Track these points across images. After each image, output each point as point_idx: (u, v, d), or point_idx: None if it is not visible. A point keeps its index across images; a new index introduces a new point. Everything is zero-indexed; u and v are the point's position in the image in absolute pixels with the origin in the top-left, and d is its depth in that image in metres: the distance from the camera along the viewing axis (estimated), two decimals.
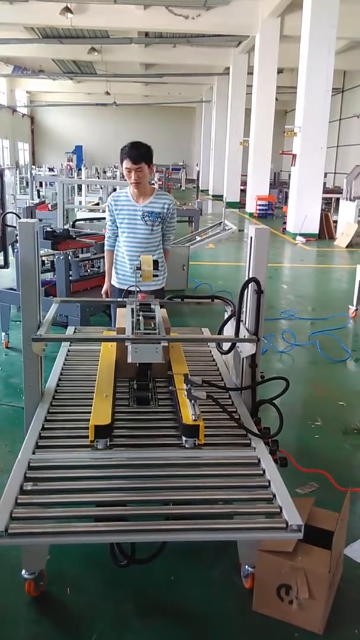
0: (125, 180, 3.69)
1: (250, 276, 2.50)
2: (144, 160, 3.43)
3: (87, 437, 2.14)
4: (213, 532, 1.84)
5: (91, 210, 9.87)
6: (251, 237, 2.49)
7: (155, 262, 2.67)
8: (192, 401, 2.27)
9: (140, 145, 3.46)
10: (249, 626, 2.17)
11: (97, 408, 2.23)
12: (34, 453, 2.11)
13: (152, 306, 2.75)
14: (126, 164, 3.43)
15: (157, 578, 2.37)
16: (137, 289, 2.71)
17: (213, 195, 26.34)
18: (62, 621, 2.18)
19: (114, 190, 5.73)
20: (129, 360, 2.27)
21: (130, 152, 3.41)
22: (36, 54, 21.84)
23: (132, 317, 2.53)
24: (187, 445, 2.18)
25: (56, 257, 4.98)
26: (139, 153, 3.42)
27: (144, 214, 3.56)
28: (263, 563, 2.18)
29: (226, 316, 2.89)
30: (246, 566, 2.30)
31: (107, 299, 3.92)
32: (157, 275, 2.75)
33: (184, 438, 2.20)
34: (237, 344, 2.62)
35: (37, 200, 12.00)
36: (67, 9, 15.09)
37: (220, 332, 2.92)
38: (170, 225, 3.71)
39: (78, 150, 34.14)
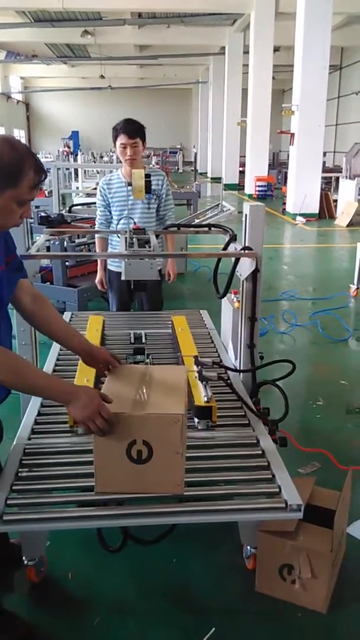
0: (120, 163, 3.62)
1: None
2: (139, 136, 3.39)
3: None
4: (212, 514, 1.81)
5: (88, 195, 9.77)
6: (246, 215, 2.44)
7: (148, 176, 2.53)
8: (204, 382, 2.24)
9: (134, 121, 3.42)
10: (252, 607, 2.16)
11: None
12: (29, 439, 2.09)
13: (147, 234, 2.66)
14: (121, 139, 3.36)
15: (159, 561, 2.36)
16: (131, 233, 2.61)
17: (212, 178, 26.11)
18: (64, 606, 2.17)
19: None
20: (123, 277, 2.21)
21: (126, 127, 3.36)
22: (29, 38, 21.48)
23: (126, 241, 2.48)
24: (199, 427, 2.15)
25: (52, 242, 4.92)
26: (134, 128, 3.37)
27: None
28: (264, 543, 2.16)
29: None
30: (248, 547, 2.28)
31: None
32: (149, 192, 2.59)
33: (196, 420, 2.16)
34: (237, 270, 2.52)
35: None
36: None
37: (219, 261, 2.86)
38: (167, 204, 3.63)
39: (74, 135, 33.73)
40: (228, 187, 21.40)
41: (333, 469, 3.00)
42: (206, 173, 27.96)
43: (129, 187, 2.67)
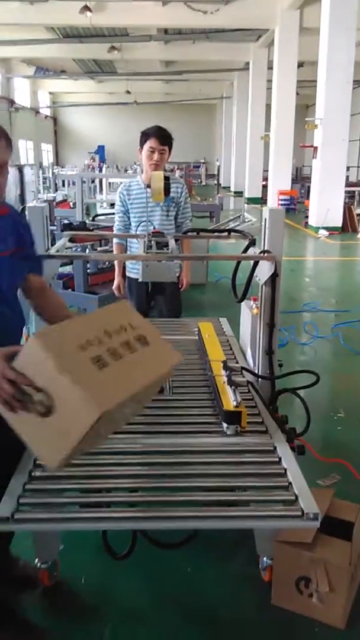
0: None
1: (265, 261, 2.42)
2: (167, 144, 3.40)
3: None
4: (227, 520, 1.77)
5: (112, 205, 9.87)
6: (265, 219, 2.41)
7: (167, 179, 2.48)
8: (233, 387, 2.20)
9: (165, 129, 3.44)
10: (268, 620, 2.10)
11: None
12: None
13: (166, 238, 2.65)
14: (151, 142, 3.35)
15: (172, 570, 2.31)
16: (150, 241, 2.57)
17: (235, 192, 26.14)
18: (76, 612, 2.13)
19: None
20: (140, 279, 2.19)
21: (158, 132, 3.36)
22: (57, 54, 21.99)
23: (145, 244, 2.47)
24: (228, 432, 2.11)
25: (73, 249, 4.96)
26: (165, 135, 3.39)
27: None
28: (281, 554, 2.10)
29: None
30: (264, 558, 2.22)
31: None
32: (167, 195, 2.56)
33: (224, 425, 2.13)
34: (256, 274, 2.48)
35: (55, 194, 12.18)
36: (87, 8, 15.15)
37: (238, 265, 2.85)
38: (185, 211, 3.63)
39: (100, 150, 34.18)
40: (251, 201, 21.46)
41: (353, 481, 2.93)
42: (229, 187, 28.00)
43: (149, 190, 2.68)
